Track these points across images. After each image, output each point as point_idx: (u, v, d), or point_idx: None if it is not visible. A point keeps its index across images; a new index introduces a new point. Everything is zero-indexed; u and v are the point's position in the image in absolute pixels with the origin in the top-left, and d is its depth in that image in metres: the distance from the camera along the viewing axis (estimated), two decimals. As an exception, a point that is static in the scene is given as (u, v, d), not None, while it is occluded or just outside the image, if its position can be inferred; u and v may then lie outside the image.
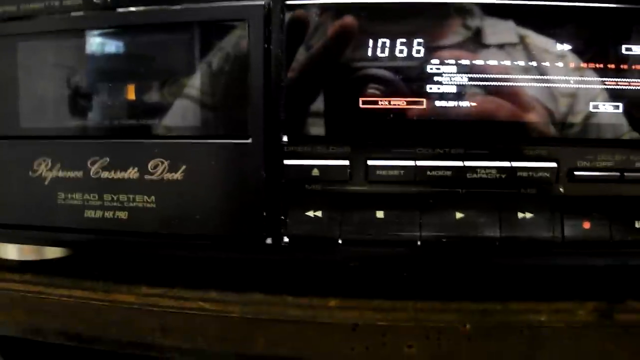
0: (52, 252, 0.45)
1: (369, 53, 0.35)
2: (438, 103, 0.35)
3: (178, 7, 0.36)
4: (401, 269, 0.42)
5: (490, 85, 0.35)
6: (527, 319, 0.36)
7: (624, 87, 0.35)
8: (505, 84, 0.35)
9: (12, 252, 0.45)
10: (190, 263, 0.43)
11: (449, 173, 0.35)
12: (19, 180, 0.39)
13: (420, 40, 0.35)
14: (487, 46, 0.35)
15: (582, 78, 0.35)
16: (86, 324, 0.41)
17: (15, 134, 0.39)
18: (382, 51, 0.35)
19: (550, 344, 0.36)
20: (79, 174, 0.38)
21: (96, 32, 0.38)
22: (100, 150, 0.38)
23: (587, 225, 0.35)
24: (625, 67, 0.35)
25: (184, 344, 0.39)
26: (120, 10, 0.37)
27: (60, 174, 0.38)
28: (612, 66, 0.35)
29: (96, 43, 0.38)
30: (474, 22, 0.35)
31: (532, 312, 0.37)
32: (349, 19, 0.35)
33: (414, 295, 0.38)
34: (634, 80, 0.35)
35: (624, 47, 0.35)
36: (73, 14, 0.38)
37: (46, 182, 0.39)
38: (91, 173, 0.38)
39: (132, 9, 0.37)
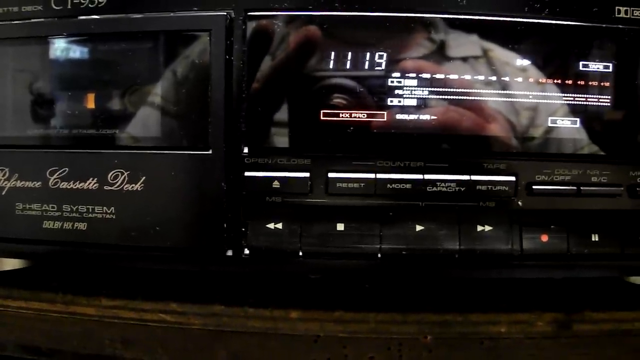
0: (10, 264, 0.44)
1: (331, 65, 0.35)
2: (399, 116, 0.35)
3: (140, 16, 0.36)
4: (362, 280, 0.42)
5: (451, 99, 0.35)
6: (487, 330, 0.37)
7: (581, 103, 0.36)
8: (466, 97, 0.35)
9: (-32, 263, 0.44)
10: (151, 274, 0.42)
11: (409, 186, 0.35)
12: (-25, 190, 0.38)
13: (382, 53, 0.35)
14: (449, 60, 0.35)
15: (542, 93, 0.36)
16: (45, 337, 0.40)
17: (-28, 143, 0.38)
18: (344, 64, 0.35)
19: (510, 354, 0.36)
20: (38, 184, 0.37)
21: (56, 39, 0.37)
22: (59, 160, 0.37)
23: (545, 238, 0.36)
24: (583, 83, 0.36)
25: (144, 356, 0.39)
26: (81, 18, 0.37)
27: (18, 184, 0.38)
28: (570, 82, 0.36)
29: (56, 51, 0.37)
30: (437, 35, 0.35)
31: (491, 323, 0.37)
32: (311, 30, 0.35)
33: (375, 306, 0.38)
34: (590, 96, 0.36)
35: (581, 63, 0.36)
36: (32, 20, 0.37)
37: (3, 193, 0.38)
38: (50, 183, 0.37)
39: (94, 17, 0.36)
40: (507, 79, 0.35)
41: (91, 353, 0.40)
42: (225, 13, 0.35)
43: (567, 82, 0.36)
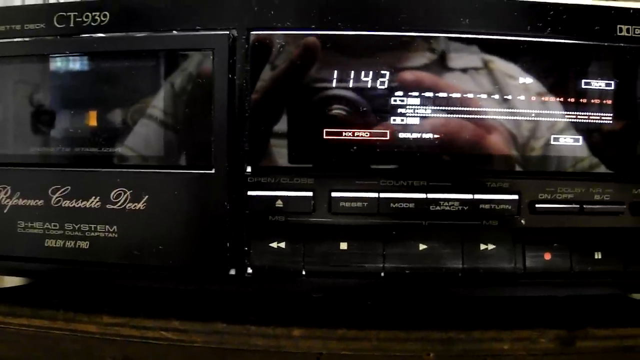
0: (11, 281, 0.44)
1: (334, 84, 0.35)
2: (402, 135, 0.35)
3: (143, 34, 0.36)
4: (365, 298, 0.42)
5: (454, 117, 0.35)
6: (489, 347, 0.37)
7: (583, 121, 0.36)
8: (468, 116, 0.35)
9: (-31, 280, 0.44)
10: (153, 292, 0.42)
11: (412, 205, 0.35)
12: (-23, 209, 0.38)
13: (385, 72, 0.35)
14: (452, 78, 0.35)
15: (544, 111, 0.36)
16: (47, 354, 0.40)
17: (-27, 161, 0.38)
18: (347, 83, 0.35)
19: (513, 371, 0.36)
20: (40, 202, 0.37)
21: (58, 57, 0.37)
22: (61, 179, 0.37)
23: (548, 256, 0.36)
24: (585, 100, 0.36)
25: (146, 374, 0.39)
26: (83, 36, 0.37)
27: (20, 202, 0.37)
28: (573, 100, 0.36)
29: (59, 69, 0.37)
30: (440, 54, 0.35)
31: (494, 340, 0.37)
32: (313, 50, 0.35)
33: (378, 324, 0.38)
34: (593, 114, 0.36)
35: (583, 81, 0.36)
36: (35, 38, 0.37)
37: (5, 210, 0.38)
38: (52, 202, 0.37)
39: (96, 35, 0.36)
40: (509, 97, 0.35)
41: (93, 370, 0.40)
42: (228, 32, 0.35)
43: (569, 99, 0.36)
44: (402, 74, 0.35)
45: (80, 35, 0.37)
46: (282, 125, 0.35)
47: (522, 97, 0.35)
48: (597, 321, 0.38)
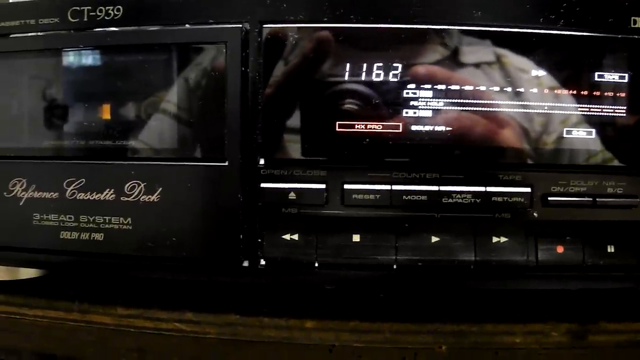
0: (26, 273, 0.44)
1: (346, 77, 0.35)
2: (414, 127, 0.35)
3: (156, 28, 0.36)
4: (377, 291, 0.42)
5: (466, 110, 0.35)
6: (501, 340, 0.37)
7: (596, 113, 0.36)
8: (481, 108, 0.35)
9: (-15, 272, 0.44)
10: (166, 284, 0.42)
11: (424, 197, 0.35)
12: (-6, 201, 0.38)
13: (397, 64, 0.35)
14: (464, 70, 0.35)
15: (557, 104, 0.35)
16: (61, 345, 0.40)
17: (-10, 154, 0.39)
18: (359, 75, 0.35)
19: (524, 365, 0.36)
20: (55, 194, 0.38)
21: (72, 51, 0.37)
22: (76, 171, 0.37)
23: (560, 249, 0.36)
24: (598, 93, 0.36)
25: (160, 365, 0.39)
26: (97, 30, 0.37)
27: (36, 194, 0.38)
28: (586, 92, 0.36)
29: (72, 63, 0.38)
30: (452, 46, 0.35)
31: (506, 333, 0.37)
32: (326, 42, 0.35)
33: (390, 316, 0.38)
34: (606, 106, 0.36)
35: (596, 74, 0.36)
36: (49, 32, 0.37)
37: (21, 203, 0.38)
38: (67, 194, 0.37)
39: (109, 29, 0.37)
40: (522, 89, 0.35)
41: (107, 361, 0.40)
42: (240, 25, 0.35)
43: (582, 92, 0.36)
44: (414, 68, 0.35)
45: (94, 30, 0.37)
46: (294, 118, 0.35)
47: (535, 90, 0.35)
48: (610, 315, 0.38)
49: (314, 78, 0.35)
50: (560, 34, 0.35)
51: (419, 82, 0.35)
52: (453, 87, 0.35)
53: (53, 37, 0.37)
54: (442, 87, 0.35)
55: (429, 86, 0.35)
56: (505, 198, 0.35)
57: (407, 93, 0.35)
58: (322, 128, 0.35)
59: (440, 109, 0.35)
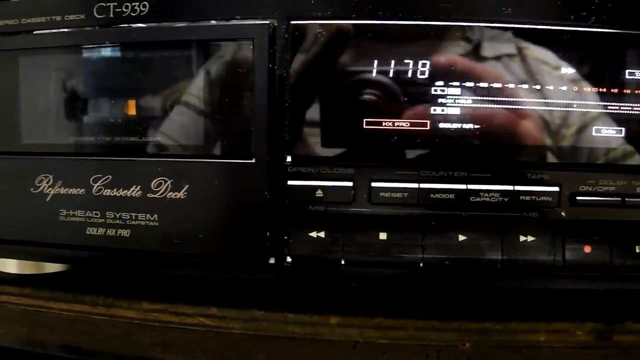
0: (52, 267, 0.44)
1: (374, 74, 0.35)
2: (442, 125, 0.35)
3: (182, 24, 0.36)
4: (403, 288, 0.42)
5: (495, 108, 0.35)
6: (525, 339, 0.37)
7: (627, 112, 0.35)
8: (510, 107, 0.35)
9: (11, 266, 0.45)
10: (191, 279, 0.43)
11: (452, 196, 0.35)
12: (21, 197, 0.39)
13: (426, 61, 0.35)
14: (492, 68, 0.35)
15: (586, 102, 0.35)
16: (86, 338, 0.41)
17: (17, 150, 0.39)
18: (387, 72, 0.35)
19: (548, 363, 0.36)
20: (81, 191, 0.38)
21: (98, 47, 0.37)
22: (102, 168, 0.37)
23: (588, 249, 0.36)
24: (629, 91, 0.35)
25: (184, 359, 0.39)
26: (123, 26, 0.37)
27: (62, 190, 0.38)
28: (616, 90, 0.35)
29: (98, 59, 0.38)
30: (482, 44, 0.35)
31: (530, 332, 0.37)
32: (351, 31, 0.34)
33: (415, 313, 0.38)
34: (636, 105, 0.35)
35: (627, 71, 0.35)
36: (75, 29, 0.37)
37: (48, 199, 0.38)
38: (93, 190, 0.38)
39: (136, 25, 0.36)
40: (551, 87, 0.35)
41: (131, 355, 0.41)
42: (268, 22, 0.35)
43: (612, 90, 0.35)
44: (437, 59, 0.34)
45: (120, 26, 0.37)
46: (321, 115, 0.35)
47: (565, 88, 0.35)
48: (636, 315, 0.38)
49: (341, 75, 0.35)
50: (592, 31, 0.35)
51: (448, 78, 0.35)
52: (482, 84, 0.35)
53: (79, 33, 0.37)
54: (471, 84, 0.35)
55: (457, 83, 0.35)
56: (533, 197, 0.35)
57: (435, 90, 0.35)
58: (349, 125, 0.35)
59: (468, 107, 0.35)
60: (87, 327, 0.40)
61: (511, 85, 0.35)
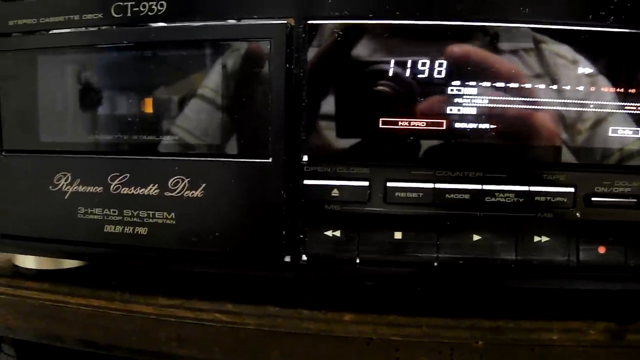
0: (70, 262, 0.45)
1: (390, 74, 0.35)
2: (458, 125, 0.35)
3: (200, 24, 0.36)
4: (416, 286, 0.42)
5: (511, 108, 0.35)
6: (538, 337, 0.37)
7: (644, 113, 0.35)
8: (526, 107, 0.35)
9: (30, 261, 0.45)
10: (207, 275, 0.43)
11: (467, 196, 0.35)
12: (40, 194, 0.39)
13: (442, 61, 0.35)
14: (510, 68, 0.35)
15: (602, 102, 0.35)
16: (103, 333, 0.41)
17: (35, 148, 0.39)
18: (404, 72, 0.35)
19: (560, 362, 0.37)
20: (99, 189, 0.38)
21: (116, 47, 0.38)
22: (120, 166, 0.38)
23: (602, 250, 0.36)
24: (646, 92, 0.35)
25: (199, 355, 0.40)
26: (140, 26, 0.37)
27: (81, 188, 0.38)
28: (634, 91, 0.35)
29: (116, 58, 0.38)
30: (500, 44, 0.35)
31: (543, 330, 0.37)
32: (369, 31, 0.34)
33: (428, 311, 0.38)
34: (654, 105, 0.35)
35: (644, 72, 0.35)
36: (93, 28, 0.38)
37: (66, 197, 0.39)
38: (111, 189, 0.38)
39: (154, 24, 0.37)
40: (568, 87, 0.35)
41: (147, 349, 0.41)
42: (285, 22, 0.35)
43: (630, 90, 0.35)
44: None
45: (137, 25, 0.37)
46: (338, 115, 0.35)
47: (581, 88, 0.35)
48: (650, 315, 0.38)
49: (357, 74, 0.35)
50: (610, 31, 0.34)
51: (465, 77, 0.35)
52: (498, 84, 0.35)
53: (97, 33, 0.38)
54: (487, 84, 0.35)
55: (473, 83, 0.35)
56: (549, 198, 0.35)
57: (452, 90, 0.35)
58: (365, 125, 0.35)
59: (484, 107, 0.35)
60: (104, 322, 0.41)
61: (527, 85, 0.35)
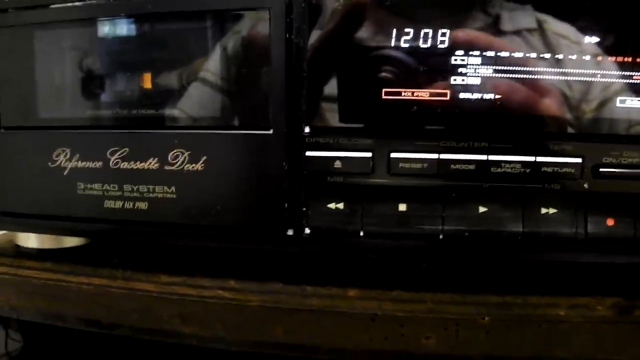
0: (71, 241, 0.45)
1: (393, 43, 0.34)
2: (462, 95, 0.35)
3: (198, -6, 0.36)
4: (422, 260, 0.42)
5: (516, 78, 0.34)
6: (545, 313, 0.36)
7: (652, 81, 0.34)
8: (531, 76, 0.34)
9: (32, 240, 0.45)
10: (209, 252, 0.43)
11: (472, 167, 0.35)
12: (39, 170, 0.39)
13: (446, 30, 0.34)
14: (514, 37, 0.34)
15: (610, 72, 0.34)
16: (105, 311, 0.41)
17: (34, 124, 0.39)
18: (406, 41, 0.34)
19: (568, 338, 0.36)
20: (99, 164, 0.38)
21: (111, 21, 0.37)
22: (119, 141, 0.37)
23: (610, 222, 0.35)
24: (655, 60, 0.34)
25: (202, 332, 0.40)
26: (137, -3, 0.36)
27: (80, 164, 0.38)
28: (641, 59, 0.34)
29: (111, 32, 0.37)
30: (502, 12, 0.34)
31: (550, 306, 0.36)
32: (373, 7, 0.34)
33: (433, 286, 0.38)
34: (663, 74, 0.34)
35: (653, 40, 0.34)
36: (89, 2, 0.37)
37: (65, 173, 0.38)
38: (111, 163, 0.38)
39: (150, -4, 0.36)
40: (574, 57, 0.34)
41: (150, 327, 0.41)
42: (285, -10, 0.34)
43: (638, 60, 0.34)
44: (456, 33, 0.34)
45: (134, -3, 0.37)
46: (340, 86, 0.35)
47: (588, 57, 0.34)
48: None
49: (360, 45, 0.35)
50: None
51: (469, 49, 0.34)
52: (502, 54, 0.34)
53: (91, 6, 0.37)
54: (491, 53, 0.34)
55: (477, 53, 0.34)
56: (556, 168, 0.34)
57: (455, 60, 0.34)
58: (368, 95, 0.35)
59: (489, 77, 0.34)
60: (107, 301, 0.41)
61: (533, 55, 0.34)
